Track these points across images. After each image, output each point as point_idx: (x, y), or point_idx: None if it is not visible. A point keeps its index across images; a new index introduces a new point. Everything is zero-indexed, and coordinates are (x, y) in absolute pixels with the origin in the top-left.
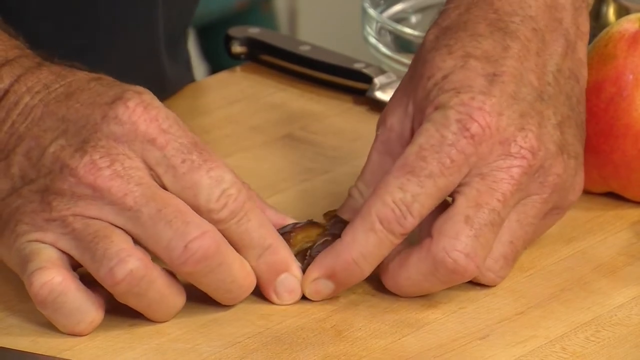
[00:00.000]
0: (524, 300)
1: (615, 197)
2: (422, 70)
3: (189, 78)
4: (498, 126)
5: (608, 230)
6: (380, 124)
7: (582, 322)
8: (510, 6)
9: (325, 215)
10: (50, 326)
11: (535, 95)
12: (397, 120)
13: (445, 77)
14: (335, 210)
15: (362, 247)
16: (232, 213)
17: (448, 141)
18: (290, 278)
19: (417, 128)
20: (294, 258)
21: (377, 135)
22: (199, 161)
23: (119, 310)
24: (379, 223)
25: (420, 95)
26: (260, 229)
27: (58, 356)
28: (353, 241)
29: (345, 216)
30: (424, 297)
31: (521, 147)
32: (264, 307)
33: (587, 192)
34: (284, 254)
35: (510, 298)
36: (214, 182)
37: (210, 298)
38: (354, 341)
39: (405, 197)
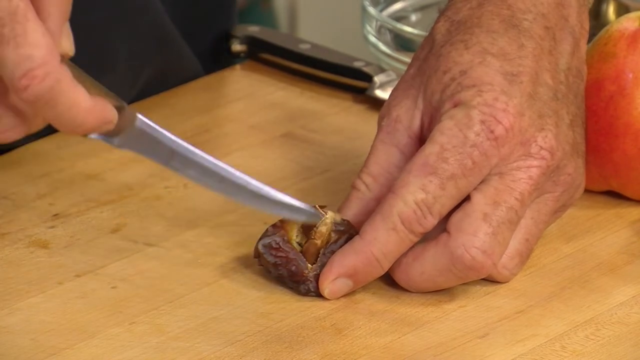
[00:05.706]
0: (524, 298)
1: (615, 195)
2: (436, 63)
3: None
4: (520, 127)
5: (608, 229)
6: (385, 116)
7: (582, 321)
8: (523, 3)
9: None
10: (50, 325)
11: (551, 94)
12: (404, 112)
13: (463, 72)
14: (325, 206)
15: (383, 245)
16: (36, 97)
17: (470, 142)
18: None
19: (428, 121)
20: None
21: (381, 127)
22: (10, 35)
23: (119, 309)
24: (401, 223)
25: (433, 89)
26: (70, 111)
27: (58, 355)
28: (375, 239)
29: (352, 210)
30: (424, 296)
31: (541, 147)
32: (263, 306)
33: (587, 190)
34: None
35: (510, 297)
36: (20, 60)
37: (210, 297)
38: (354, 340)
39: (427, 198)
